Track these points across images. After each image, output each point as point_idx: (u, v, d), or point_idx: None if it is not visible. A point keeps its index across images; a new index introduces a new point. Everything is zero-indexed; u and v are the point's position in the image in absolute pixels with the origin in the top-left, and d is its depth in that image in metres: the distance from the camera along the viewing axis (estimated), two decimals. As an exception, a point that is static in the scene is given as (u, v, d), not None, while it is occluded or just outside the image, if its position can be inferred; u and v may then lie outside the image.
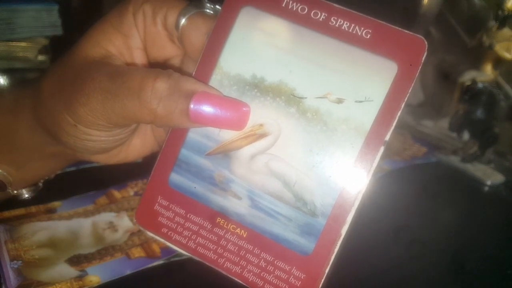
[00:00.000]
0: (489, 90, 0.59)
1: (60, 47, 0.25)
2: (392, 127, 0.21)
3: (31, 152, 0.28)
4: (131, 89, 0.21)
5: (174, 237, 0.23)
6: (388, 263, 0.39)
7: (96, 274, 0.31)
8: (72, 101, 0.23)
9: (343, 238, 0.21)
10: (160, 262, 0.33)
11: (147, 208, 0.24)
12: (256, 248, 0.22)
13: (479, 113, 0.59)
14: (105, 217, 0.37)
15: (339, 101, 0.21)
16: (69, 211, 0.38)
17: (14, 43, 0.52)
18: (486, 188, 0.56)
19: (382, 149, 0.21)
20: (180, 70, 0.23)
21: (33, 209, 0.37)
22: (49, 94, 0.24)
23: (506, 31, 0.63)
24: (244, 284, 0.22)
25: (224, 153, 0.23)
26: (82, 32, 0.25)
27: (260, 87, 0.22)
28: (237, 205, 0.22)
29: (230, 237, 0.22)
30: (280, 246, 0.22)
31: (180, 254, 0.34)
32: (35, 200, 0.36)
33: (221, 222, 0.23)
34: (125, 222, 0.37)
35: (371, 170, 0.21)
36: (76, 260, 0.32)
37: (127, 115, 0.22)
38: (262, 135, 0.22)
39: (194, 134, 0.23)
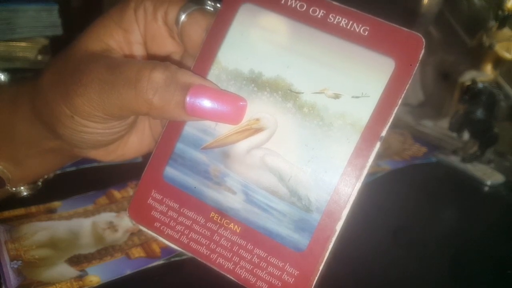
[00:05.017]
0: (489, 90, 0.59)
1: (60, 47, 0.26)
2: (389, 123, 0.21)
3: (29, 147, 0.28)
4: (128, 79, 0.21)
5: (166, 231, 0.23)
6: (387, 263, 0.39)
7: (96, 274, 0.31)
8: (70, 91, 0.23)
9: (338, 235, 0.21)
10: (160, 262, 0.33)
11: (140, 202, 0.24)
12: (249, 244, 0.22)
13: (479, 113, 0.58)
14: (105, 217, 0.37)
15: (336, 96, 0.21)
16: (69, 211, 0.38)
17: (14, 43, 0.52)
18: (486, 188, 0.56)
19: (378, 144, 0.21)
20: (179, 66, 0.23)
21: (33, 209, 0.37)
22: (48, 85, 0.24)
23: (506, 31, 0.63)
24: (236, 280, 0.22)
25: (220, 147, 0.23)
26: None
27: (257, 82, 0.22)
28: (232, 200, 0.22)
29: (223, 232, 0.22)
30: (274, 242, 0.22)
31: (180, 254, 0.34)
32: (35, 200, 0.36)
33: (215, 217, 0.22)
34: (125, 222, 0.37)
35: (367, 166, 0.21)
36: (76, 260, 0.32)
37: (123, 106, 0.22)
38: (258, 130, 0.22)
39: (190, 128, 0.23)
